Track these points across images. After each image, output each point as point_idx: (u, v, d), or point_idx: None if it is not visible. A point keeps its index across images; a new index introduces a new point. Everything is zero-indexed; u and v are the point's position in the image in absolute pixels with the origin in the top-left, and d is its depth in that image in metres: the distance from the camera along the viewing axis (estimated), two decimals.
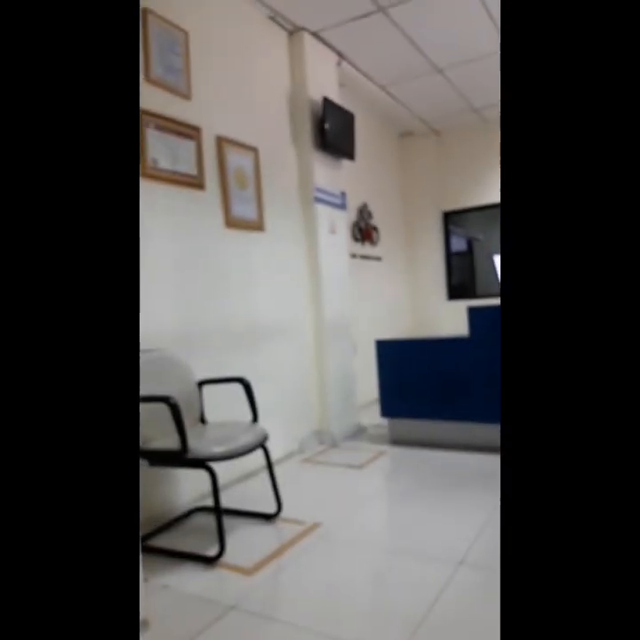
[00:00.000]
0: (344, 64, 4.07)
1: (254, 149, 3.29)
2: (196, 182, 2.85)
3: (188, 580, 1.98)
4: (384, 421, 3.76)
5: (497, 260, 3.92)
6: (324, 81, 3.83)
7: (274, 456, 3.04)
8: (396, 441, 3.65)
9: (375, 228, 5.29)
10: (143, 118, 2.55)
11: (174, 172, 2.71)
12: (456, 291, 6.07)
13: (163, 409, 2.12)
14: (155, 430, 2.23)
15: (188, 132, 2.81)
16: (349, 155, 4.00)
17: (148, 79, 2.60)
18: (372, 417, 4.13)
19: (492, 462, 3.05)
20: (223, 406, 2.74)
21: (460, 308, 5.88)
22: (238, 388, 2.52)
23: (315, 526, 2.36)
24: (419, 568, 1.95)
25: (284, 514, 2.50)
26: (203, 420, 2.58)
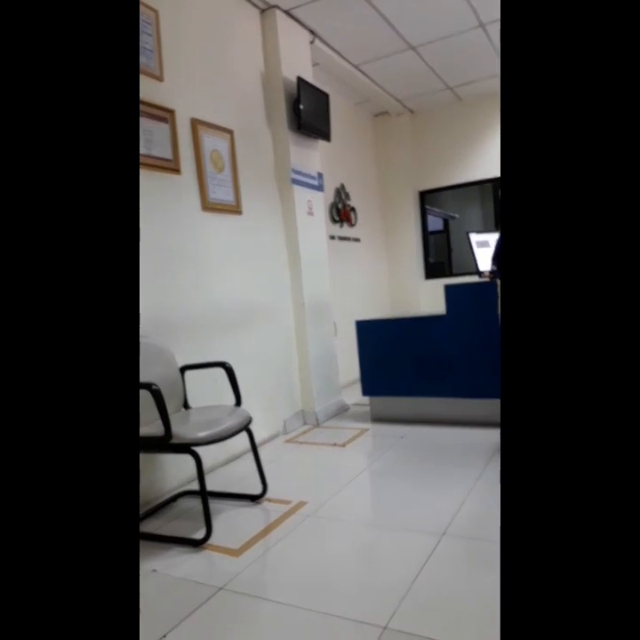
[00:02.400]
0: (317, 42, 4.01)
1: (230, 131, 3.25)
2: (171, 166, 2.81)
3: (176, 563, 2.00)
4: (366, 400, 3.82)
5: (473, 237, 3.96)
6: (298, 60, 3.78)
7: (258, 438, 3.08)
8: (378, 418, 3.71)
9: (353, 209, 5.29)
10: None
11: (149, 156, 2.67)
12: (433, 270, 6.12)
13: (146, 395, 2.12)
14: (140, 416, 2.24)
15: (162, 114, 2.76)
16: (325, 135, 3.97)
17: None
18: (355, 396, 4.19)
19: (472, 435, 3.13)
20: (206, 391, 2.75)
21: (437, 286, 5.94)
22: (221, 372, 2.53)
23: (300, 505, 2.41)
24: (403, 541, 2.00)
25: (269, 494, 2.53)
26: (186, 406, 2.58)
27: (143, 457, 2.54)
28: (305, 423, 3.82)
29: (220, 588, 1.80)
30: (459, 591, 1.65)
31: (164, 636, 1.57)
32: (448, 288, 3.36)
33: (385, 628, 1.51)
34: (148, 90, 2.69)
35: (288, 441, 3.47)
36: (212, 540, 2.14)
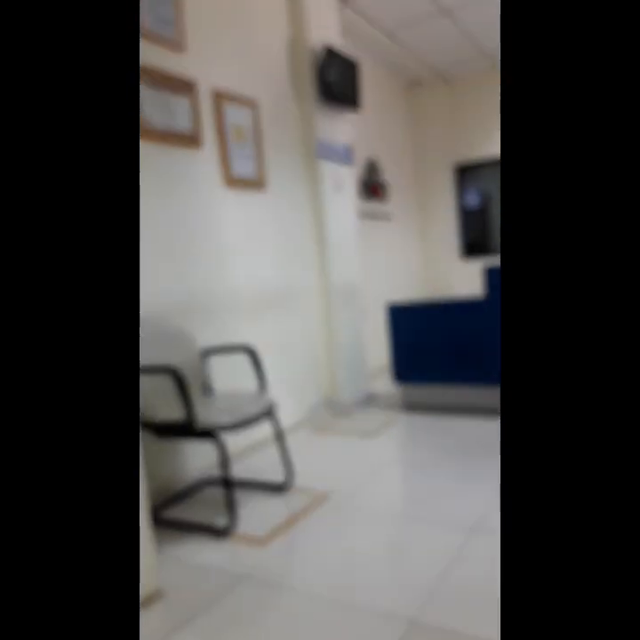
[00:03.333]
0: (347, 8, 3.81)
1: (253, 103, 3.11)
2: (192, 140, 2.69)
3: (201, 551, 1.97)
4: (396, 387, 3.68)
5: None
6: (326, 27, 3.60)
7: (283, 425, 2.99)
8: (409, 407, 3.57)
9: (384, 185, 5.09)
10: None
11: (169, 130, 2.56)
12: (469, 249, 5.89)
13: (169, 380, 2.05)
14: (161, 402, 2.17)
15: (183, 86, 2.64)
16: (354, 106, 3.78)
17: None
18: (384, 383, 4.05)
19: None
20: (231, 376, 2.67)
21: (474, 266, 5.73)
22: (246, 356, 2.44)
23: (326, 496, 2.32)
24: (432, 536, 1.91)
25: (294, 484, 2.46)
26: (210, 390, 2.51)
27: (165, 443, 2.48)
28: (331, 411, 3.70)
29: (245, 577, 1.77)
30: (489, 586, 1.58)
31: (190, 622, 1.56)
32: (489, 271, 3.18)
33: (413, 621, 1.47)
34: (168, 61, 2.58)
35: (314, 429, 3.36)
36: (236, 529, 2.09)
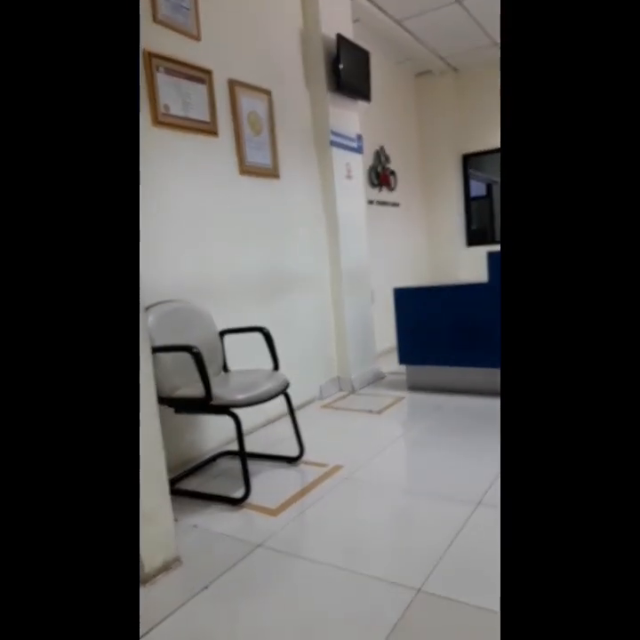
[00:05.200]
0: None
1: (268, 92, 3.18)
2: (208, 128, 2.78)
3: (216, 520, 2.06)
4: (402, 368, 3.79)
5: None
6: (338, 16, 3.65)
7: (294, 403, 3.10)
8: (415, 387, 3.68)
9: (393, 173, 5.16)
10: (153, 62, 2.47)
11: (186, 118, 2.65)
12: (475, 236, 5.95)
13: (188, 358, 2.16)
14: (180, 379, 2.28)
15: (199, 75, 2.72)
16: (365, 95, 3.85)
17: (155, 20, 2.50)
18: (391, 364, 4.16)
19: None
20: (246, 356, 2.78)
21: (479, 254, 5.79)
22: (259, 338, 2.55)
23: (336, 469, 2.43)
24: (438, 508, 2.00)
25: (305, 457, 2.56)
26: (226, 369, 2.62)
27: (184, 418, 2.60)
28: (340, 390, 3.83)
29: (259, 545, 1.84)
30: (494, 559, 1.64)
31: (206, 587, 1.63)
32: (491, 255, 3.26)
33: (419, 590, 1.52)
34: (185, 50, 2.65)
35: (324, 406, 3.49)
36: (250, 500, 2.18)
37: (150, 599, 1.60)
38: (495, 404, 3.17)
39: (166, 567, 1.73)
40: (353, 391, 3.78)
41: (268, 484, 2.34)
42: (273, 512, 2.08)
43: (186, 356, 2.15)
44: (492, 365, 3.33)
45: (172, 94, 2.57)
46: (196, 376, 2.14)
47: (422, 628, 1.39)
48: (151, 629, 1.46)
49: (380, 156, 4.97)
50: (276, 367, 2.54)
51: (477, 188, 6.53)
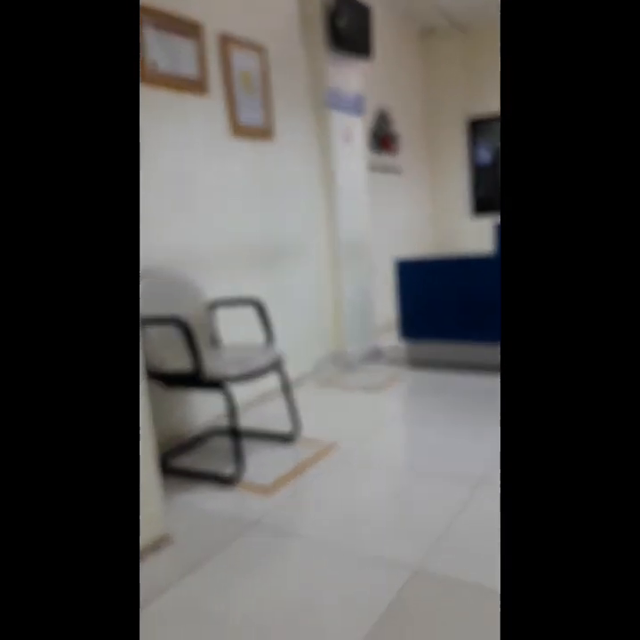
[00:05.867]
0: None
1: (262, 49, 3.00)
2: (198, 86, 2.61)
3: (209, 498, 2.01)
4: (402, 344, 3.68)
5: None
6: None
7: (289, 378, 3.01)
8: (415, 363, 3.58)
9: (395, 137, 4.95)
10: (140, 16, 2.29)
11: (175, 75, 2.48)
12: (480, 206, 5.77)
13: (176, 331, 2.05)
14: (170, 353, 2.18)
15: (189, 29, 2.54)
16: (366, 53, 3.64)
17: None
18: (391, 340, 4.06)
19: None
20: (238, 329, 2.67)
21: (485, 223, 5.64)
22: (253, 310, 2.44)
23: (332, 447, 2.35)
24: (438, 487, 1.94)
25: (301, 435, 2.49)
26: (217, 342, 2.52)
27: (173, 393, 2.51)
28: (337, 365, 3.72)
29: (253, 524, 1.81)
30: (493, 537, 1.60)
31: (198, 567, 1.60)
32: (498, 227, 3.12)
33: (416, 569, 1.50)
34: (173, 2, 2.46)
35: (319, 383, 3.39)
36: (244, 477, 2.13)
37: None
38: (497, 380, 3.08)
39: (156, 546, 1.70)
40: (350, 367, 3.68)
41: (262, 461, 2.28)
42: (267, 491, 2.03)
43: (174, 329, 2.05)
44: (497, 341, 3.23)
45: (161, 50, 2.40)
46: (185, 349, 2.03)
47: (419, 607, 1.36)
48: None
49: (383, 119, 4.76)
50: (269, 341, 2.44)
51: (483, 155, 6.32)
